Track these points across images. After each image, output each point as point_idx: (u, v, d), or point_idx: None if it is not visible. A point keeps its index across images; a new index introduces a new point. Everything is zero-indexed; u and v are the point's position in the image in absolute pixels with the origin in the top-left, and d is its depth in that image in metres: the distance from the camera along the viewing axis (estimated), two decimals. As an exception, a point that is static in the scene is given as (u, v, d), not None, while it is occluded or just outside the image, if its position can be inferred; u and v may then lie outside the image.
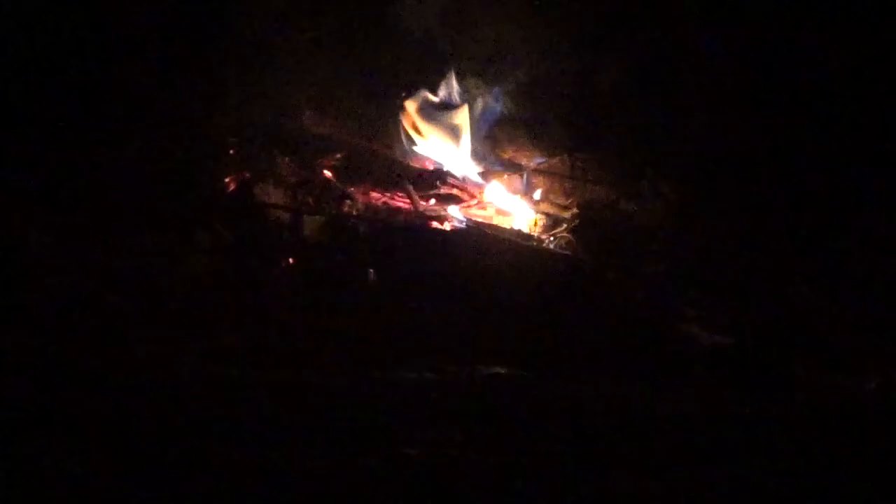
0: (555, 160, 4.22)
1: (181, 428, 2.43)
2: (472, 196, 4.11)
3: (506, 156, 4.22)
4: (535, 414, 2.69)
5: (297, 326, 3.21)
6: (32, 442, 2.30)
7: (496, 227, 3.89)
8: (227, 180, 3.91)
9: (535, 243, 3.79)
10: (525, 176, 4.17)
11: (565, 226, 3.87)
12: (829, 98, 3.97)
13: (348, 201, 3.92)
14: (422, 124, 4.19)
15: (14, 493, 2.11)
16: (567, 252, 3.72)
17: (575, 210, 3.93)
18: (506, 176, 4.14)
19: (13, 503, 2.10)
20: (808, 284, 3.52)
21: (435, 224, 3.89)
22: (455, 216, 3.95)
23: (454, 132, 4.21)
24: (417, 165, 4.25)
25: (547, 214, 4.00)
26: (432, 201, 4.09)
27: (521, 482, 2.28)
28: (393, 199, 4.07)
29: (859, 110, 3.93)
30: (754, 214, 3.84)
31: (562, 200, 4.08)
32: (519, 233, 3.84)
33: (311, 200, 3.85)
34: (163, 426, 2.43)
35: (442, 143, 4.21)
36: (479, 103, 4.21)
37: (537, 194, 4.12)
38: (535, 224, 3.95)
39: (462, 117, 4.17)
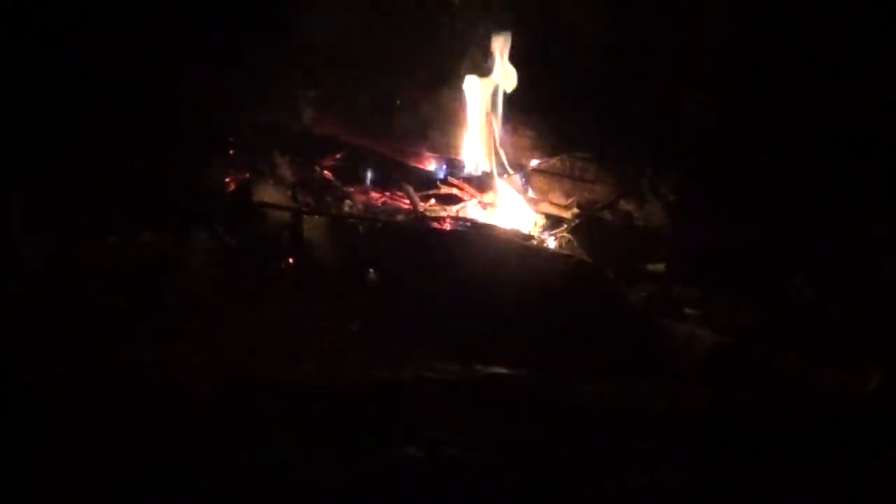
0: (555, 160, 4.22)
1: (180, 428, 2.43)
2: (472, 196, 4.11)
3: (506, 156, 4.22)
4: (535, 414, 2.69)
5: (296, 326, 3.21)
6: (31, 442, 2.31)
7: (496, 227, 3.89)
8: (227, 180, 3.91)
9: (535, 243, 3.79)
10: (525, 176, 4.17)
11: (565, 226, 3.87)
12: (830, 96, 3.97)
13: (348, 201, 3.92)
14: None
15: (14, 493, 2.11)
16: (567, 252, 3.72)
17: (575, 210, 3.93)
18: (506, 176, 4.14)
19: (13, 503, 2.10)
20: (809, 284, 3.52)
21: (435, 224, 3.89)
22: (455, 216, 3.95)
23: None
24: (417, 165, 4.26)
25: (547, 214, 4.00)
26: (432, 201, 4.09)
27: (521, 482, 2.28)
28: (393, 199, 4.07)
29: (861, 109, 3.93)
30: (754, 214, 3.84)
31: (562, 200, 4.08)
32: (519, 233, 3.84)
33: (311, 200, 3.85)
34: (162, 426, 2.43)
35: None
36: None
37: (537, 194, 4.12)
38: (535, 224, 3.95)
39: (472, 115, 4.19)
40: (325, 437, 2.43)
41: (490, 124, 4.19)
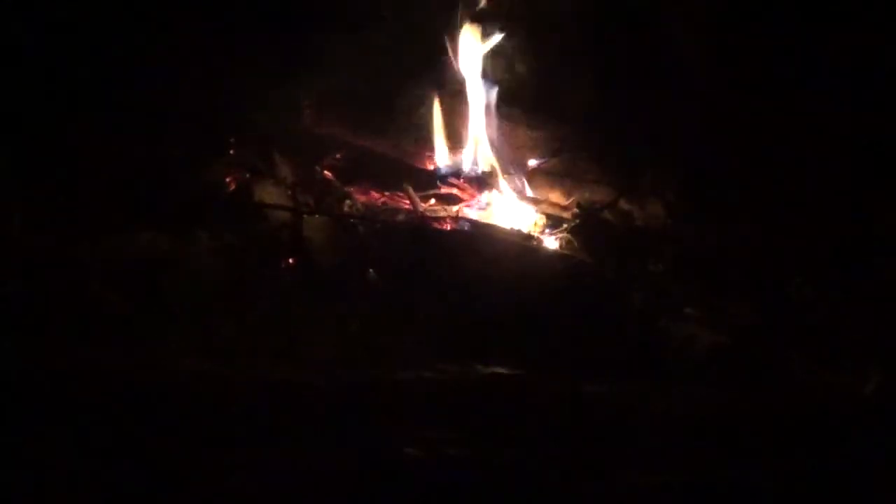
0: (555, 160, 4.22)
1: (180, 428, 2.43)
2: (472, 196, 4.11)
3: (506, 156, 4.21)
4: (535, 414, 2.69)
5: (296, 326, 3.21)
6: (31, 442, 2.30)
7: (496, 227, 3.89)
8: (227, 180, 3.91)
9: (535, 243, 3.79)
10: (525, 176, 4.17)
11: (565, 226, 3.86)
12: (830, 96, 3.97)
13: (348, 201, 3.92)
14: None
15: (12, 493, 2.11)
16: (567, 252, 3.72)
17: (575, 210, 3.93)
18: (506, 176, 4.14)
19: (12, 503, 2.10)
20: (809, 284, 3.52)
21: (435, 224, 3.89)
22: (455, 216, 3.95)
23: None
24: (417, 165, 4.26)
25: (547, 214, 4.00)
26: (432, 201, 4.09)
27: (521, 482, 2.28)
28: (393, 199, 4.07)
29: (860, 109, 3.93)
30: (754, 214, 3.84)
31: (562, 200, 4.07)
32: (519, 233, 3.84)
33: (311, 200, 3.85)
34: (162, 426, 2.43)
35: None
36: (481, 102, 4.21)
37: (537, 194, 4.12)
38: (535, 224, 3.94)
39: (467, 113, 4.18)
40: (325, 437, 2.43)
41: (488, 123, 4.19)
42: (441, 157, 4.21)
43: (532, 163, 4.25)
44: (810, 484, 2.34)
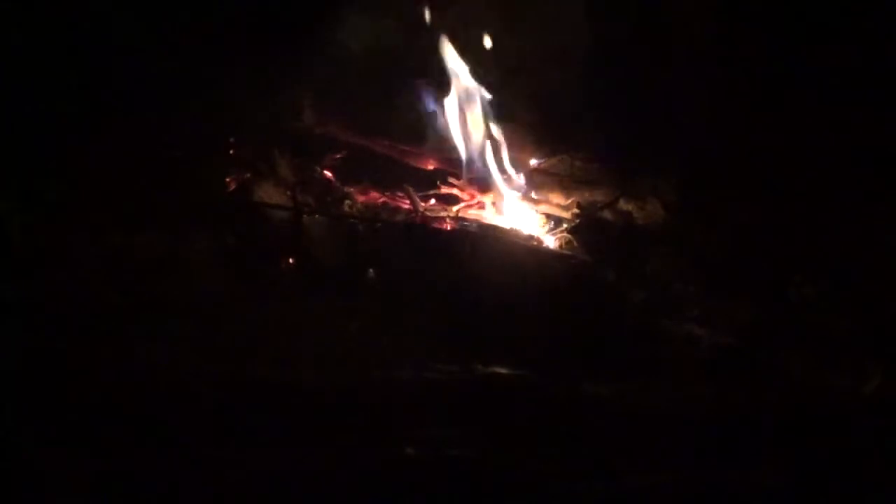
0: (555, 160, 4.22)
1: (179, 428, 2.43)
2: (472, 196, 4.11)
3: (506, 156, 4.21)
4: (535, 414, 2.69)
5: (296, 326, 3.21)
6: (30, 442, 2.30)
7: (496, 228, 3.89)
8: (227, 180, 3.91)
9: (535, 243, 3.79)
10: (525, 176, 4.17)
11: (565, 226, 3.86)
12: (830, 96, 3.96)
13: (348, 201, 3.92)
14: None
15: (12, 493, 2.11)
16: (567, 252, 3.72)
17: (575, 210, 3.93)
18: (506, 175, 4.14)
19: (11, 503, 2.11)
20: (809, 284, 3.52)
21: (435, 224, 3.89)
22: (455, 216, 3.95)
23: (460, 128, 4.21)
24: (417, 165, 4.26)
25: (547, 214, 4.00)
26: (432, 201, 4.09)
27: (521, 482, 2.28)
28: (393, 199, 4.07)
29: (861, 108, 3.92)
30: (755, 214, 3.84)
31: (562, 200, 4.08)
32: (519, 233, 3.84)
33: (311, 200, 3.85)
34: (161, 426, 2.43)
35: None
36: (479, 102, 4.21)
37: (537, 194, 4.12)
38: (535, 224, 3.95)
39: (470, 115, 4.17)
40: (325, 437, 2.43)
41: (487, 123, 4.18)
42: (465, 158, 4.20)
43: (532, 163, 4.25)
44: (810, 484, 2.34)
